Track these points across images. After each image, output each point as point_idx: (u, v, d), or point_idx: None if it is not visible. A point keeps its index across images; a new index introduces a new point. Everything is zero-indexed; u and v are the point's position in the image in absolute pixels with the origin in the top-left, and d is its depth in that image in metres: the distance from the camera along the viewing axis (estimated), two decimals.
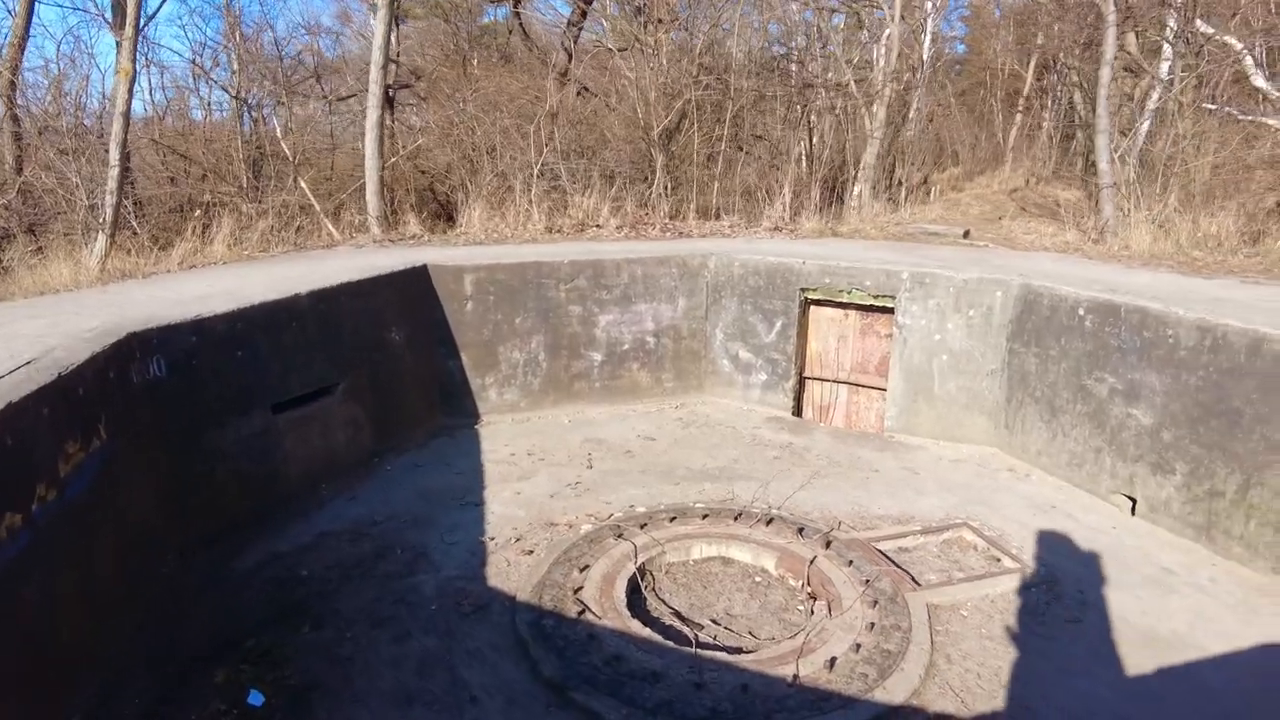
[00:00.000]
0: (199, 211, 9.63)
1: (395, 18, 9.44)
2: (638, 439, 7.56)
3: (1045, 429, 6.64)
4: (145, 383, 4.77)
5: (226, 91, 9.89)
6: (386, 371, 7.01)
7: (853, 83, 13.63)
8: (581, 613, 4.59)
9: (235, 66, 11.17)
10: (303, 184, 9.29)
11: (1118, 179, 9.69)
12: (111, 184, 7.57)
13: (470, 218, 10.00)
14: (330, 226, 9.13)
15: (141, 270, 7.22)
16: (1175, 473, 5.51)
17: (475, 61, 16.18)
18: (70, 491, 3.79)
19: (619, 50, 14.08)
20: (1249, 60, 11.55)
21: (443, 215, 12.61)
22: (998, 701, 3.98)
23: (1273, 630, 4.59)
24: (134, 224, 8.84)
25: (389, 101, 15.52)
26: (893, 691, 3.96)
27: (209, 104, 12.42)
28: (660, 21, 12.91)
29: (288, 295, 5.82)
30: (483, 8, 19.09)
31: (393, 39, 15.66)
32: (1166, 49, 12.57)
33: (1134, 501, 5.91)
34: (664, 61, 12.23)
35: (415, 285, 7.34)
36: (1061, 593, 4.94)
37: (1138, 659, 4.32)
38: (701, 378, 8.60)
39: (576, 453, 7.22)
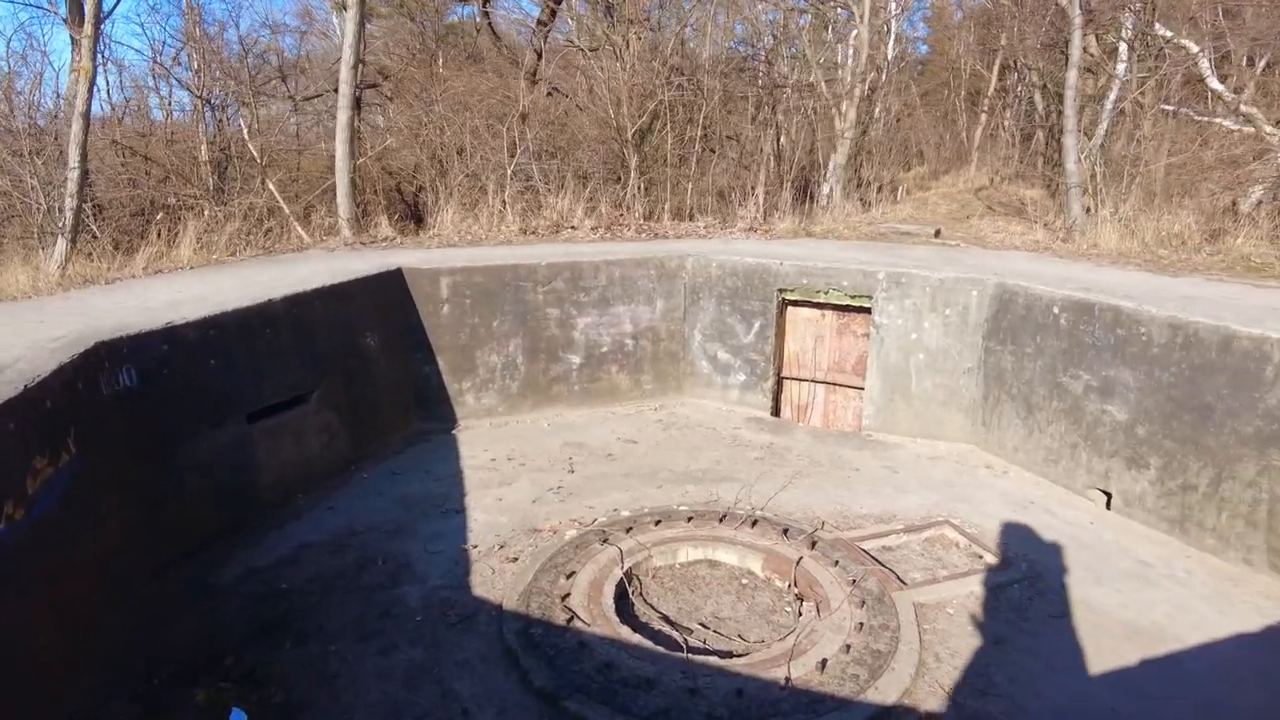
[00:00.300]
0: (160, 215, 9.37)
1: (363, 16, 9.26)
2: (619, 442, 7.52)
3: (1022, 426, 6.73)
4: (115, 393, 4.61)
5: (190, 91, 9.63)
6: (362, 377, 6.88)
7: (822, 83, 13.73)
8: (570, 620, 4.54)
9: (196, 65, 10.88)
10: (271, 186, 9.08)
11: (1084, 178, 9.88)
12: (72, 186, 7.32)
13: (443, 219, 9.88)
14: (300, 229, 8.94)
15: (104, 276, 6.99)
16: (1149, 467, 5.63)
17: (441, 61, 15.99)
18: (39, 509, 3.65)
19: (590, 50, 14.02)
20: (1204, 63, 11.88)
21: (411, 217, 12.44)
22: (989, 699, 4.01)
23: (1247, 620, 4.70)
24: (94, 228, 8.57)
25: (356, 102, 15.31)
26: (885, 692, 3.98)
27: (169, 104, 12.11)
28: (631, 22, 12.88)
29: (261, 301, 5.67)
30: (449, 6, 18.90)
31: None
32: (1123, 50, 12.87)
33: (1109, 496, 6.02)
34: (635, 62, 12.19)
35: (390, 289, 7.22)
36: (1044, 588, 5.01)
37: (1122, 652, 4.39)
38: (680, 379, 8.59)
39: (557, 457, 7.15)
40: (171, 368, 4.96)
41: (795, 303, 8.08)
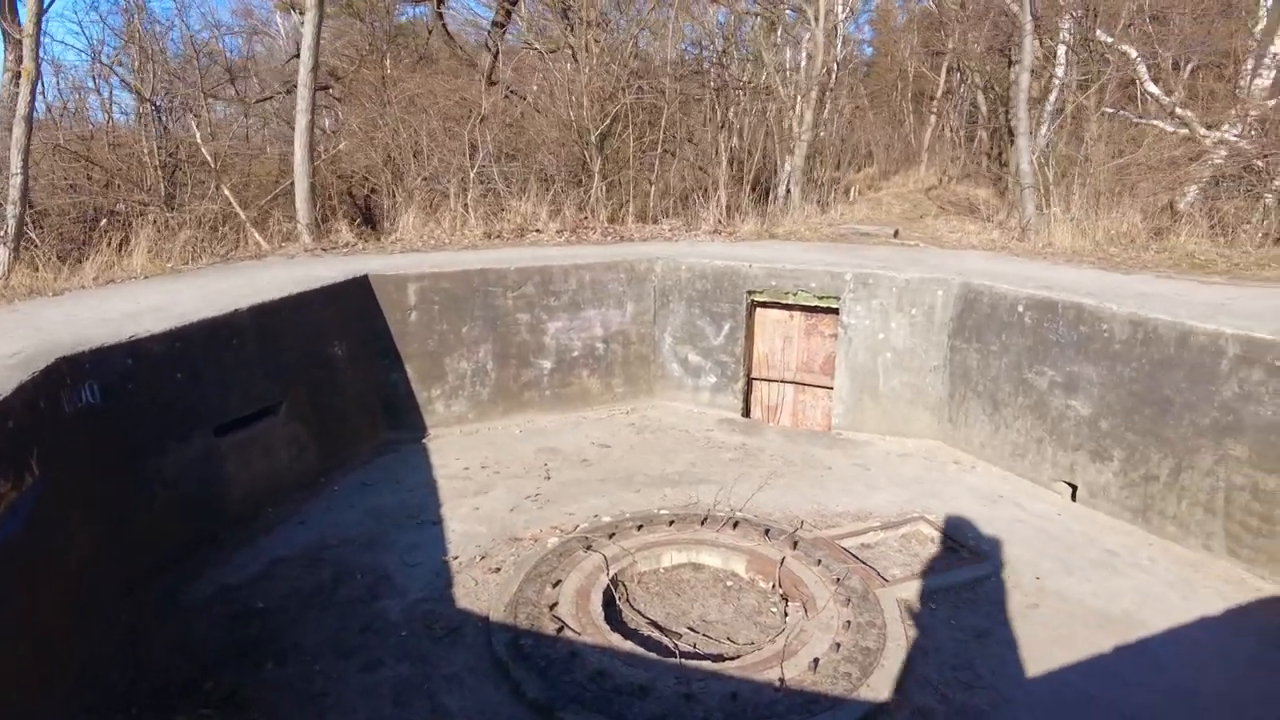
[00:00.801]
0: (104, 222, 9.01)
1: (321, 18, 9.01)
2: (593, 447, 7.49)
3: (988, 422, 6.91)
4: (78, 411, 4.41)
5: (138, 93, 9.27)
6: (329, 387, 6.72)
7: (779, 85, 13.90)
8: (560, 629, 4.50)
9: (138, 64, 10.48)
10: (227, 192, 8.80)
11: (1037, 179, 10.20)
12: (14, 194, 6.98)
13: (404, 223, 9.70)
14: (258, 236, 8.68)
15: (51, 287, 6.68)
16: (1113, 459, 5.83)
17: (390, 62, 15.71)
18: (3, 534, 3.47)
19: (548, 52, 13.95)
20: (1142, 68, 12.37)
21: (366, 221, 12.20)
22: (975, 692, 4.10)
23: (1209, 604, 4.90)
24: (32, 235, 8.20)
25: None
26: (877, 689, 4.04)
27: (109, 105, 11.64)
28: (590, 24, 12.85)
29: (227, 311, 5.49)
30: (397, 6, 18.59)
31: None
32: (1061, 54, 13.34)
33: (1074, 488, 6.22)
34: (595, 64, 12.17)
35: (357, 296, 7.07)
36: (1019, 580, 5.15)
37: (1096, 640, 4.54)
38: (651, 382, 8.59)
39: (532, 464, 7.09)
40: (136, 382, 4.77)
41: (764, 304, 8.16)
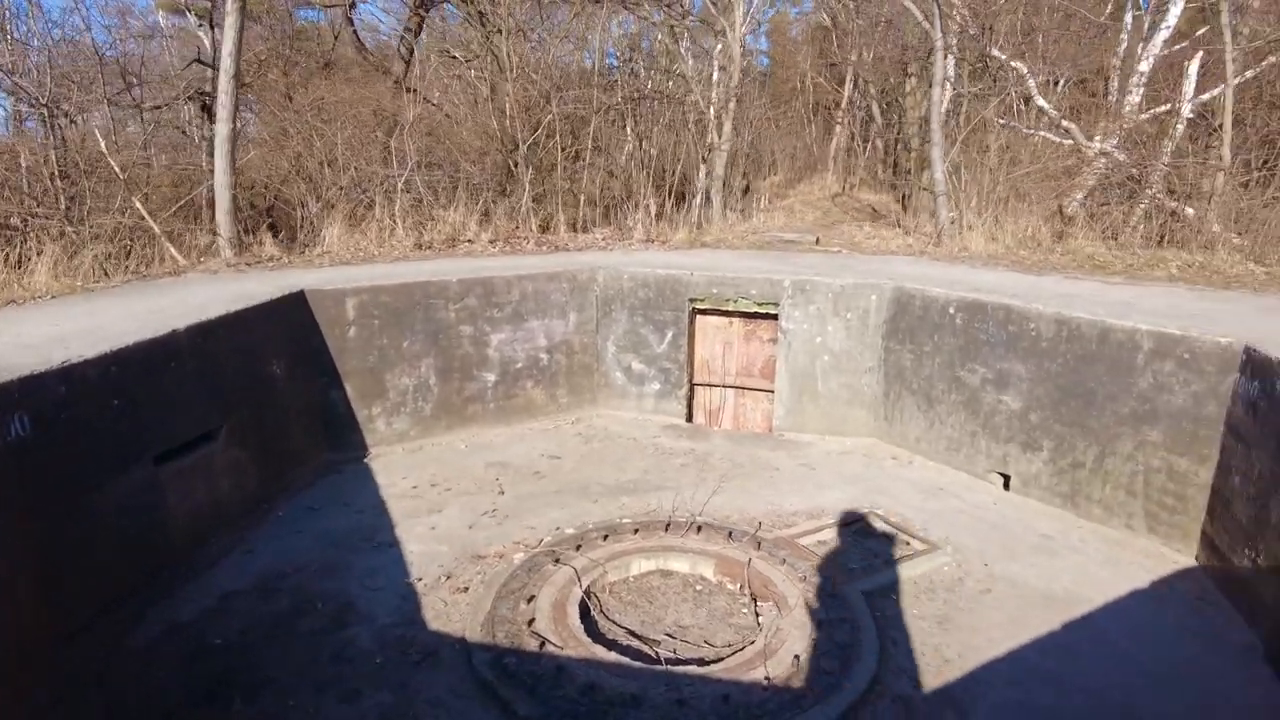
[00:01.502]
0: None
1: (244, 21, 8.52)
2: (543, 459, 7.43)
3: (923, 418, 7.28)
4: (6, 445, 4.06)
5: (30, 98, 8.56)
6: (269, 409, 6.41)
7: (699, 95, 14.18)
8: (542, 645, 4.46)
9: (11, 66, 9.67)
10: (138, 204, 8.24)
11: (949, 187, 10.81)
12: None
13: (330, 236, 9.35)
14: (174, 251, 8.17)
15: None
16: (1042, 449, 6.26)
17: (289, 68, 15.08)
18: None
19: (465, 61, 13.76)
20: (1031, 83, 13.33)
21: (273, 232, 11.66)
22: (946, 675, 4.33)
23: (1137, 578, 5.33)
24: None
25: (206, 111, 14.18)
26: (858, 681, 4.20)
27: None
28: (506, 32, 12.73)
29: (164, 332, 5.17)
30: (296, 7, 17.91)
31: (206, 43, 14.35)
32: (950, 67, 14.22)
33: (1006, 478, 6.64)
34: (517, 74, 12.08)
35: (294, 313, 6.77)
36: (969, 567, 5.46)
37: (1045, 618, 4.87)
38: (595, 391, 8.60)
39: (483, 479, 6.97)
40: (70, 411, 4.42)
41: (704, 311, 8.32)
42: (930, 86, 14.69)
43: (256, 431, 6.21)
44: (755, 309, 8.02)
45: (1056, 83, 14.71)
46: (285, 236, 10.41)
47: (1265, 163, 11.65)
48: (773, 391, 8.19)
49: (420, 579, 5.31)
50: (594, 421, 8.45)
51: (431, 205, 10.64)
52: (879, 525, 6.07)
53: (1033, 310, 6.21)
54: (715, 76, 14.51)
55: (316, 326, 7.02)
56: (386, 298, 7.32)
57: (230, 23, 7.96)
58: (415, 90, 13.48)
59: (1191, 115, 11.83)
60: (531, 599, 4.94)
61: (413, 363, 7.55)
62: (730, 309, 8.14)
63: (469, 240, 9.97)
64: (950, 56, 14.42)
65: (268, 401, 6.37)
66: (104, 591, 4.67)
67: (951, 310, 6.86)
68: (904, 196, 17.95)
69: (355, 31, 15.67)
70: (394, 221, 9.94)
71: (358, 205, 10.31)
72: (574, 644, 4.49)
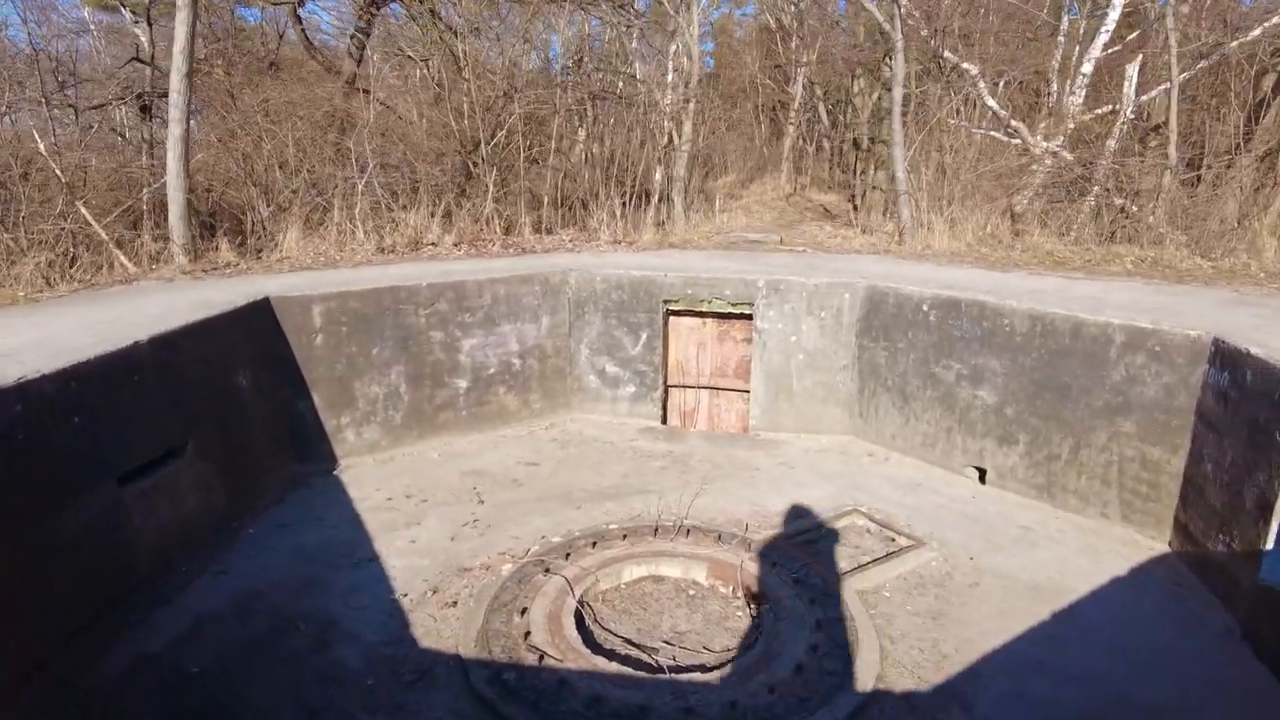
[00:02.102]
0: None
1: (195, 17, 8.14)
2: (520, 466, 7.29)
3: (899, 415, 7.37)
4: None
5: None
6: (235, 422, 6.14)
7: (659, 95, 14.15)
8: (541, 659, 4.35)
9: None
10: (83, 209, 7.80)
11: (911, 186, 10.99)
12: None
13: (288, 241, 9.03)
14: (123, 258, 7.76)
15: None
16: (1019, 443, 6.39)
17: (231, 67, 14.54)
18: None
19: (422, 60, 13.47)
20: (982, 84, 13.66)
21: (209, 234, 11.22)
22: (946, 670, 4.36)
23: (1116, 566, 5.47)
24: None
25: (146, 111, 13.57)
26: (863, 680, 4.20)
27: None
28: (458, 33, 12.49)
29: (125, 344, 4.88)
30: (236, 6, 17.29)
31: (144, 40, 13.74)
32: (899, 67, 14.51)
33: (982, 472, 6.76)
34: (476, 73, 11.87)
35: (259, 321, 6.50)
36: (956, 562, 5.53)
37: (1033, 609, 4.95)
38: (569, 395, 8.48)
39: (460, 488, 6.80)
40: (28, 431, 4.14)
41: (678, 312, 8.27)
42: (887, 88, 14.99)
43: (222, 446, 5.93)
44: (730, 309, 8.01)
45: (1002, 84, 15.13)
46: (235, 241, 10.02)
47: (1198, 161, 12.16)
48: (748, 391, 8.20)
49: (405, 594, 5.14)
50: (568, 426, 8.33)
51: (391, 208, 10.36)
52: (863, 522, 6.11)
53: (1007, 306, 6.33)
54: (670, 77, 14.52)
55: (282, 334, 6.75)
56: (355, 303, 7.08)
57: (182, 18, 7.59)
58: (368, 91, 13.12)
59: (1133, 116, 12.28)
60: (525, 611, 4.82)
61: (382, 370, 7.32)
62: (704, 309, 8.11)
63: (432, 243, 9.75)
64: (903, 58, 14.71)
65: (233, 414, 6.10)
66: (71, 621, 4.39)
67: (925, 308, 6.95)
68: (855, 195, 18.23)
69: (304, 30, 15.18)
70: (354, 225, 9.65)
71: (314, 209, 9.97)
72: (574, 656, 4.39)
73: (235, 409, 6.14)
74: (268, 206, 9.97)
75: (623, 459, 7.46)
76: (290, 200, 10.18)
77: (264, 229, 9.65)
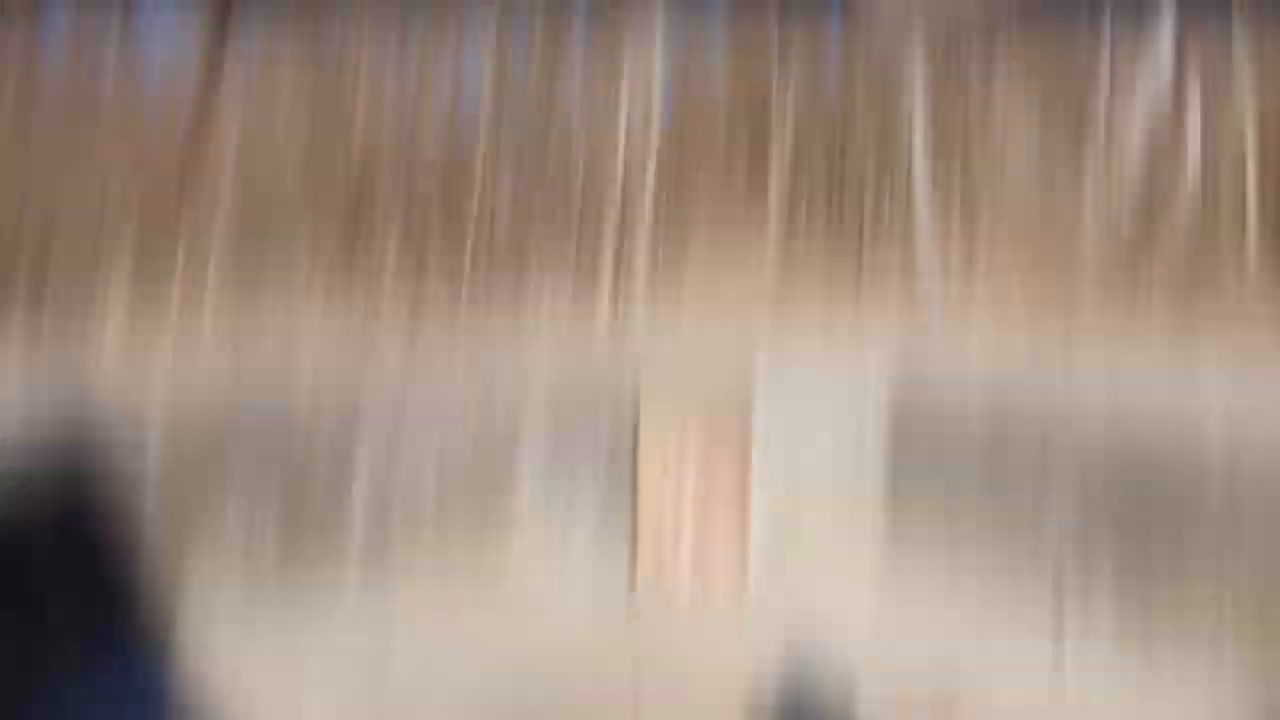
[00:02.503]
0: None
1: None
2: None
3: None
4: None
5: None
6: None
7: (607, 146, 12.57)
8: None
9: None
10: None
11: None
12: None
13: (107, 327, 6.57)
14: None
15: None
16: None
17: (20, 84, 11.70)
18: None
19: (296, 82, 11.21)
20: None
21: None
22: None
23: None
24: None
25: None
26: None
27: None
28: (356, 43, 10.37)
29: None
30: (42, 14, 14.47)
31: None
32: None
33: None
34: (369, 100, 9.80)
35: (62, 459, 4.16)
36: None
37: None
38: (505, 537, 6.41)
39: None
40: None
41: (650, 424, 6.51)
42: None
43: None
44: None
45: None
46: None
47: None
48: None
49: None
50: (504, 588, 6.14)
51: (256, 280, 8.05)
52: None
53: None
54: (624, 123, 12.31)
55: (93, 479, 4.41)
56: (201, 422, 4.84)
57: None
58: (217, 120, 10.61)
59: None
60: None
61: (241, 519, 5.05)
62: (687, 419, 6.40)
63: (313, 328, 7.54)
64: None
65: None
66: None
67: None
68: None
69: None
70: (200, 308, 7.26)
71: (143, 283, 7.52)
72: None
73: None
74: (76, 281, 7.45)
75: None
76: (110, 269, 7.69)
77: (65, 309, 7.12)
